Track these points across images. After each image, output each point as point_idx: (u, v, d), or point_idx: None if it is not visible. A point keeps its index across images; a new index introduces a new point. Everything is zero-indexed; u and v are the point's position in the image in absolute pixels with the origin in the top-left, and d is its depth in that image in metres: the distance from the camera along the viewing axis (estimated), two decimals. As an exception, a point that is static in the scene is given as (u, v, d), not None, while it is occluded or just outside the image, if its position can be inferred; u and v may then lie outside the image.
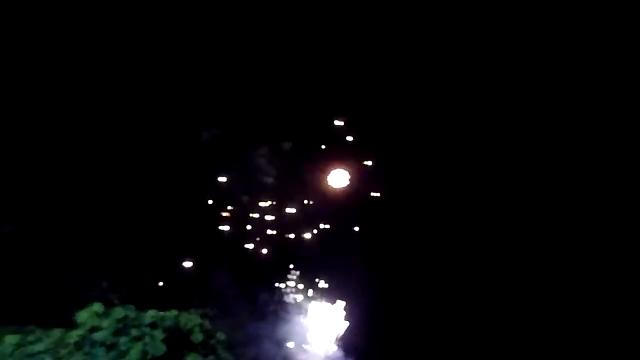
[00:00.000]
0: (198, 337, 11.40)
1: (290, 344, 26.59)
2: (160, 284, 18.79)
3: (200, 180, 26.20)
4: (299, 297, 29.17)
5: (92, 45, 22.14)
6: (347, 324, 29.98)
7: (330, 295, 30.14)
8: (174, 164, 23.78)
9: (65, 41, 20.93)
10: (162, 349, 10.48)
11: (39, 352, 9.85)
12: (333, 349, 29.27)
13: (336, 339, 29.55)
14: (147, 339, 10.45)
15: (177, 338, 11.12)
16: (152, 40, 23.65)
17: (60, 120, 20.07)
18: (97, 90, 21.62)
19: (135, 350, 10.23)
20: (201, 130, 25.35)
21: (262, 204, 29.13)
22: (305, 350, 28.18)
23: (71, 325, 10.70)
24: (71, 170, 19.01)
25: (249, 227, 28.75)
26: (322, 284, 29.87)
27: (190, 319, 11.53)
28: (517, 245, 31.26)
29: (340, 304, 30.07)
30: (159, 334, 10.63)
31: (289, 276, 28.38)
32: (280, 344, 25.66)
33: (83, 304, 10.89)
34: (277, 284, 27.50)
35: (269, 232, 29.42)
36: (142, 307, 11.85)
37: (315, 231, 29.33)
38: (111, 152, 22.23)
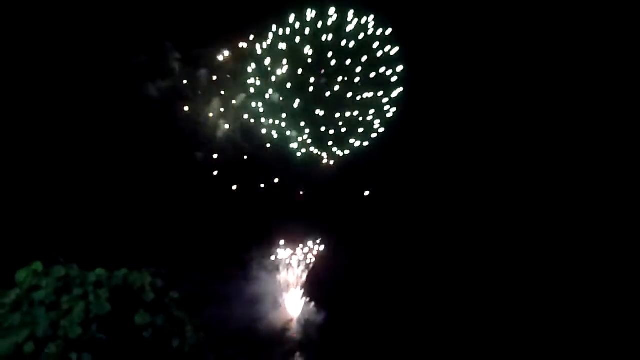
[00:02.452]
0: (149, 295, 10.95)
1: (259, 304, 26.68)
2: (114, 241, 18.58)
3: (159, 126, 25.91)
4: (271, 256, 29.28)
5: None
6: (317, 280, 30.31)
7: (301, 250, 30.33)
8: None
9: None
10: (107, 308, 10.04)
11: (-27, 314, 9.42)
12: (306, 305, 29.48)
13: (307, 294, 29.76)
14: (91, 298, 10.00)
15: (125, 297, 10.70)
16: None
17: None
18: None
19: (78, 309, 9.78)
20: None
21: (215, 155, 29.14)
22: (276, 310, 28.25)
23: (11, 286, 10.30)
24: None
25: (214, 172, 29.06)
26: (293, 241, 30.16)
27: (141, 278, 11.08)
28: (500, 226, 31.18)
29: (311, 261, 30.19)
30: (104, 293, 10.18)
31: (261, 236, 28.43)
32: (248, 303, 25.65)
33: (23, 263, 10.48)
34: (246, 244, 27.50)
35: (235, 186, 29.65)
36: (93, 267, 11.48)
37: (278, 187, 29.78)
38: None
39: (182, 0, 27.65)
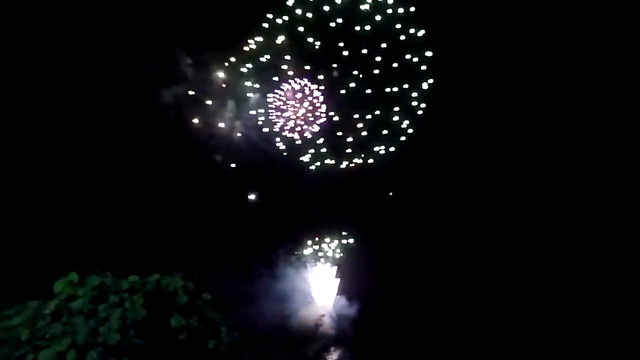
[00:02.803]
0: (182, 299, 11.19)
1: (290, 301, 26.83)
2: (144, 248, 18.92)
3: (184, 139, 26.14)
4: (297, 256, 29.18)
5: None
6: (348, 274, 30.30)
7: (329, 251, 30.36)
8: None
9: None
10: (142, 313, 10.27)
11: (16, 326, 9.72)
12: (337, 299, 29.52)
13: (339, 289, 29.69)
14: (126, 305, 10.26)
15: (159, 301, 10.94)
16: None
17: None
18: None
19: (115, 316, 10.04)
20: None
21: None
22: (307, 306, 28.40)
23: (50, 297, 10.61)
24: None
25: (238, 186, 28.98)
26: (319, 241, 29.89)
27: (173, 282, 11.32)
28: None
29: (340, 256, 30.19)
30: (139, 299, 10.42)
31: (286, 234, 28.44)
32: (279, 301, 25.87)
33: (60, 274, 10.78)
34: (271, 243, 27.60)
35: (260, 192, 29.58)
36: (125, 274, 11.76)
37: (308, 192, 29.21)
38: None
39: (189, 6, 27.89)
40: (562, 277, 29.86)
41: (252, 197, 29.54)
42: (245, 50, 28.22)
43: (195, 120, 28.58)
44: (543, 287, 29.51)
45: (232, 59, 28.11)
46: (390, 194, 31.07)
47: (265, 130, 28.40)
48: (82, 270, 10.71)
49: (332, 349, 29.75)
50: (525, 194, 31.36)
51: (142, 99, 25.98)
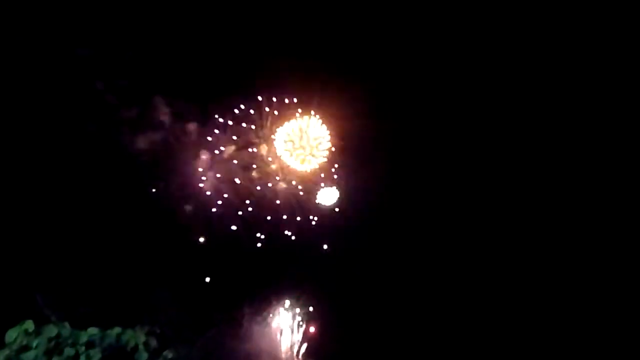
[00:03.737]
0: (142, 356, 10.64)
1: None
2: (106, 300, 18.07)
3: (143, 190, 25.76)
4: (264, 313, 28.60)
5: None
6: (314, 334, 29.52)
7: (296, 308, 29.79)
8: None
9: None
10: (98, 369, 9.68)
11: (-41, 377, 9.05)
12: None
13: (304, 351, 28.97)
14: (82, 359, 9.68)
15: (118, 357, 10.37)
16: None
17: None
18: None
19: (68, 371, 9.46)
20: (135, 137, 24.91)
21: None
22: None
23: (0, 346, 9.94)
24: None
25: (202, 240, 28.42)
26: (286, 299, 29.41)
27: (134, 337, 10.78)
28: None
29: (308, 316, 29.62)
30: (95, 354, 9.86)
31: (252, 293, 27.88)
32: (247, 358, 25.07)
33: (15, 322, 10.15)
34: (238, 301, 26.97)
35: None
36: (85, 325, 11.14)
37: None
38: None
39: (172, 55, 28.12)
40: (547, 282, 29.48)
41: (220, 246, 29.05)
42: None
43: (166, 167, 28.33)
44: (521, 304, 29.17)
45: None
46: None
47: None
48: (38, 318, 10.12)
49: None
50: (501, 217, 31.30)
51: (113, 144, 25.69)
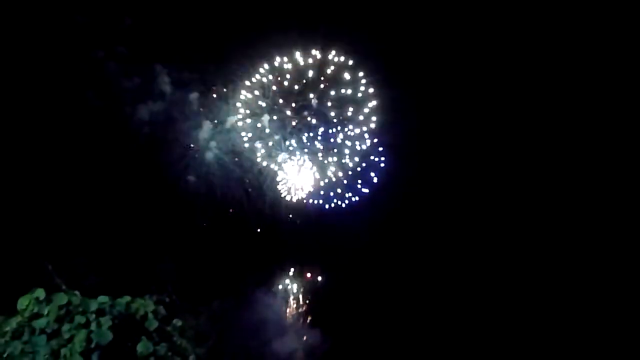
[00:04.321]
0: (152, 324, 10.72)
1: (263, 333, 26.29)
2: (117, 270, 18.18)
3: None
4: (268, 283, 28.85)
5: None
6: (319, 307, 29.92)
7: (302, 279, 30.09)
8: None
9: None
10: (108, 337, 9.79)
11: (-27, 342, 9.16)
12: (310, 332, 29.11)
13: (311, 321, 29.34)
14: (93, 326, 9.76)
15: (128, 325, 10.45)
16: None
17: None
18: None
19: (79, 338, 9.56)
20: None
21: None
22: (281, 337, 27.81)
23: (12, 313, 10.04)
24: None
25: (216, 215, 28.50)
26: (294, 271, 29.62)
27: (144, 305, 10.85)
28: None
29: (311, 289, 29.94)
30: (106, 321, 9.94)
31: (256, 263, 28.02)
32: (253, 331, 25.32)
33: (26, 289, 10.24)
34: (242, 272, 27.14)
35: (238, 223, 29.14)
36: (95, 294, 11.23)
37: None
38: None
39: (173, 23, 27.74)
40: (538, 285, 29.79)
41: (225, 217, 29.17)
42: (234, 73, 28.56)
43: (168, 137, 28.21)
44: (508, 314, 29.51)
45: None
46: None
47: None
48: (49, 287, 10.20)
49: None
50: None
51: (115, 114, 25.50)
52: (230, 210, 28.53)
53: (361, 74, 30.08)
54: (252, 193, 29.57)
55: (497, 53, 29.58)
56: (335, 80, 29.95)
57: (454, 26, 29.17)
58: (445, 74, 30.00)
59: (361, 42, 29.16)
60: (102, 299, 10.47)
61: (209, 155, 29.77)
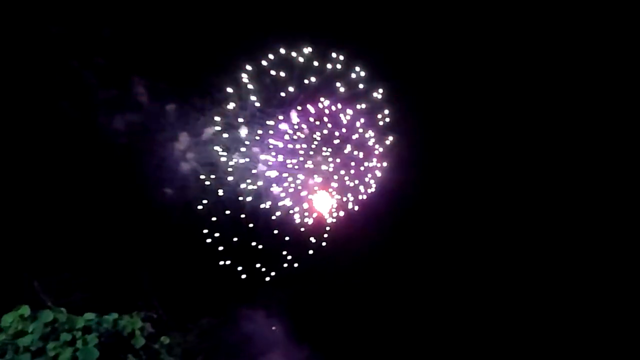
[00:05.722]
0: (139, 341, 10.54)
1: (253, 349, 25.98)
2: (103, 286, 17.78)
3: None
4: (261, 301, 28.48)
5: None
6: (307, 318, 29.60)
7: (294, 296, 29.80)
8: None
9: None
10: (94, 355, 9.60)
11: (-46, 361, 8.85)
12: (299, 349, 28.84)
13: (300, 338, 29.05)
14: (79, 344, 9.55)
15: (115, 343, 10.25)
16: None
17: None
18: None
19: (64, 356, 9.37)
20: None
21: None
22: (270, 354, 27.53)
23: (-3, 330, 9.74)
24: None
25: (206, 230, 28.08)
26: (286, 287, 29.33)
27: (131, 323, 10.66)
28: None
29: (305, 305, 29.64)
30: (92, 339, 9.74)
31: (240, 280, 27.71)
32: (241, 347, 25.04)
33: (11, 307, 9.95)
34: (226, 289, 26.79)
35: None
36: (81, 311, 10.99)
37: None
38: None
39: (151, 34, 27.55)
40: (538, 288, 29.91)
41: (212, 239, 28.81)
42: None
43: (144, 148, 27.87)
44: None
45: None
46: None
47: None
48: (35, 304, 9.93)
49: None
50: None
51: (90, 126, 25.11)
52: (208, 224, 28.18)
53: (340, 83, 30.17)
54: (230, 207, 29.25)
55: (497, 53, 29.83)
56: (315, 91, 30.03)
57: (454, 26, 29.39)
58: (445, 75, 30.08)
59: (345, 49, 29.21)
60: (89, 316, 10.28)
61: (185, 167, 29.44)
